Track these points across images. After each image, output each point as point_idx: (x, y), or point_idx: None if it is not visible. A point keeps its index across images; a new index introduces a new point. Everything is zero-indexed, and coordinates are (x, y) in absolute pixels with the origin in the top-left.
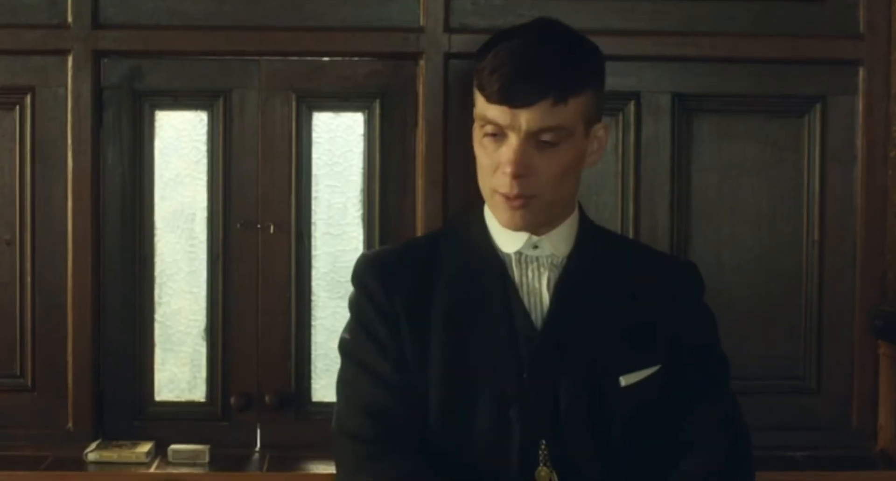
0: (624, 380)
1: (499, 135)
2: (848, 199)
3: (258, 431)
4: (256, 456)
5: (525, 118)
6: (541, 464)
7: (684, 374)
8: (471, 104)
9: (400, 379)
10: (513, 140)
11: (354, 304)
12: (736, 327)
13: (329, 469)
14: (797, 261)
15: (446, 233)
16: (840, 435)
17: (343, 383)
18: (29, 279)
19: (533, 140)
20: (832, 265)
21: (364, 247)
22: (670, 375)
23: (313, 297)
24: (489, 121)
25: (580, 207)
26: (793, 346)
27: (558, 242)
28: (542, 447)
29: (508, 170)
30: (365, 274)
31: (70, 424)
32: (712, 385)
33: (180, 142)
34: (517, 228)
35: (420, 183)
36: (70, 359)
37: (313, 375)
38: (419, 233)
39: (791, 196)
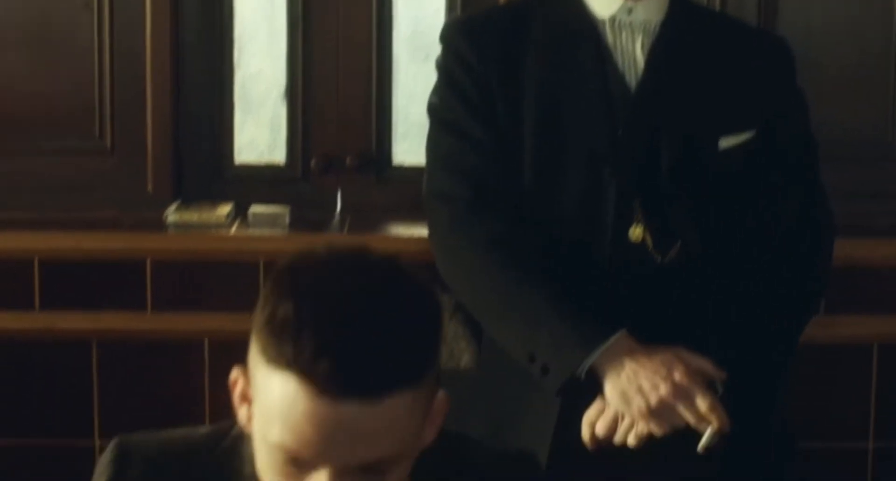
0: (723, 142)
1: None
2: None
3: (339, 193)
4: (337, 218)
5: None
6: (634, 224)
7: (777, 154)
8: None
9: (491, 140)
10: None
11: (443, 66)
12: (822, 92)
13: (410, 231)
14: (889, 28)
15: None
16: None
17: (433, 145)
18: (107, 43)
19: None
20: None
21: (445, 11)
22: (765, 150)
23: (394, 60)
24: None
25: None
26: (879, 113)
27: (653, 8)
28: (636, 207)
29: None
30: (454, 35)
31: (150, 187)
32: (804, 170)
33: None
34: None
35: None
36: (149, 121)
37: (394, 138)
38: None
39: None
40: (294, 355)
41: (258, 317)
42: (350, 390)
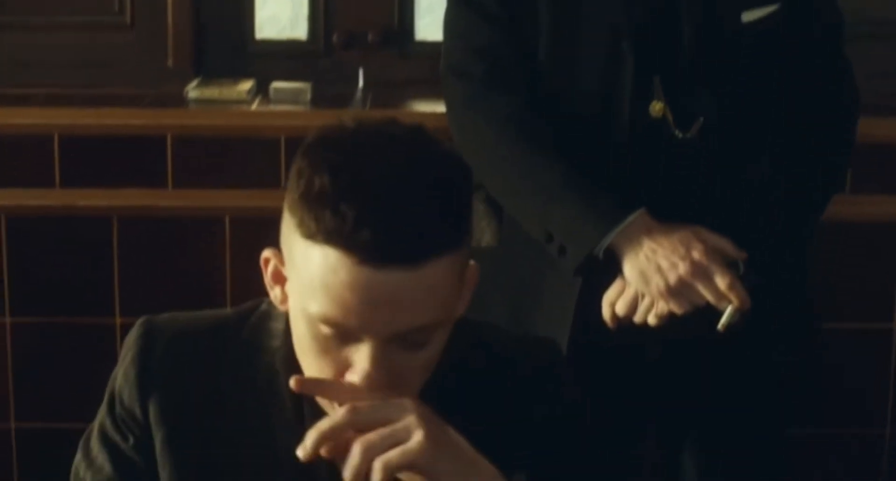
0: (746, 16)
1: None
2: None
3: (360, 69)
4: (359, 94)
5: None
6: (655, 100)
7: (801, 28)
8: None
9: (507, 15)
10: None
11: None
12: None
13: (432, 107)
14: None
15: None
16: None
17: (449, 21)
18: None
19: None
20: None
21: None
22: (789, 24)
23: None
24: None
25: None
26: None
27: None
28: (657, 83)
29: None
30: None
31: (170, 61)
32: (828, 44)
33: None
34: None
35: None
36: None
37: (416, 13)
38: None
39: None
40: (334, 226)
41: (291, 191)
42: (391, 257)
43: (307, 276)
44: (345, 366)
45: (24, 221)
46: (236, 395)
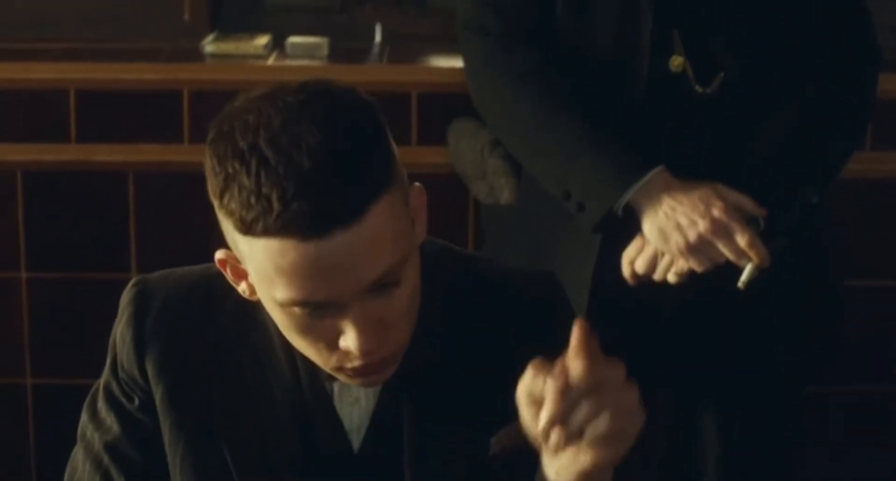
0: None
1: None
2: None
3: (377, 24)
4: (375, 49)
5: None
6: (675, 54)
7: None
8: None
9: None
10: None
11: None
12: None
13: (449, 63)
14: None
15: None
16: None
17: None
18: None
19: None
20: None
21: None
22: None
23: None
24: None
25: None
26: None
27: None
28: (676, 37)
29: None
30: None
31: (186, 15)
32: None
33: None
34: None
35: None
36: None
37: None
38: None
39: None
40: (264, 215)
41: (213, 193)
42: (331, 221)
43: (260, 268)
44: (334, 335)
45: (40, 177)
46: (232, 352)
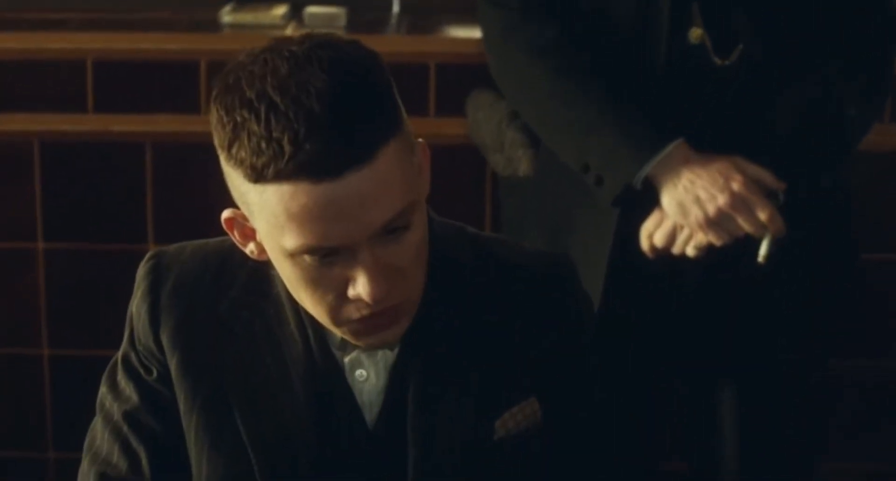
0: None
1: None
2: None
3: None
4: (394, 19)
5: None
6: (693, 25)
7: None
8: None
9: None
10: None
11: None
12: None
13: (468, 33)
14: None
15: None
16: None
17: None
18: None
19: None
20: None
21: None
22: None
23: None
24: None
25: None
26: None
27: None
28: (695, 9)
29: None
30: None
31: None
32: None
33: None
34: None
35: None
36: None
37: None
38: None
39: None
40: (276, 158)
41: (221, 145)
42: (344, 161)
43: (272, 217)
44: (344, 286)
45: (58, 147)
46: (245, 324)
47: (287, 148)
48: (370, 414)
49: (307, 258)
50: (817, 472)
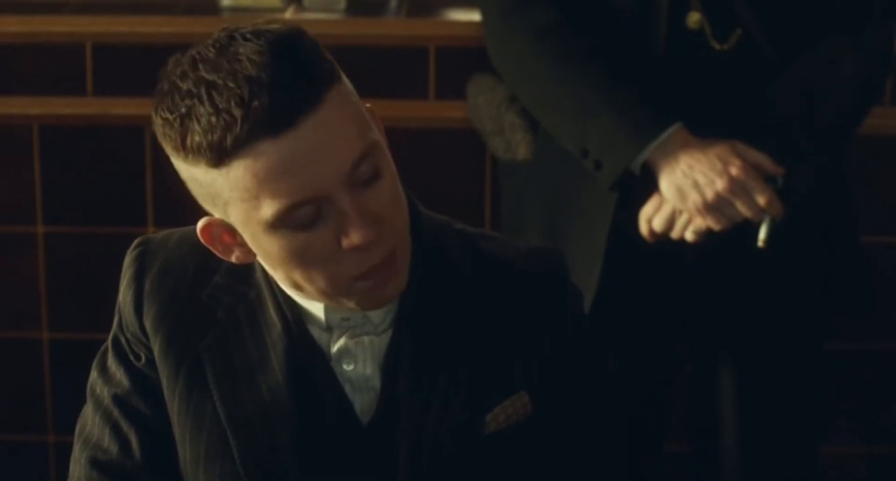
0: None
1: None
2: None
3: None
4: (393, 2)
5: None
6: (692, 9)
7: None
8: None
9: None
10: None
11: None
12: None
13: (468, 16)
14: None
15: None
16: None
17: None
18: None
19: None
20: None
21: None
22: None
23: None
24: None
25: None
26: None
27: None
28: None
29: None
30: None
31: None
32: None
33: None
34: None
35: None
36: None
37: None
38: None
39: None
40: (232, 133)
41: (175, 145)
42: (294, 112)
43: (244, 193)
44: (334, 249)
45: (57, 130)
46: (227, 310)
47: (237, 112)
48: (359, 405)
49: (290, 223)
50: (818, 455)
